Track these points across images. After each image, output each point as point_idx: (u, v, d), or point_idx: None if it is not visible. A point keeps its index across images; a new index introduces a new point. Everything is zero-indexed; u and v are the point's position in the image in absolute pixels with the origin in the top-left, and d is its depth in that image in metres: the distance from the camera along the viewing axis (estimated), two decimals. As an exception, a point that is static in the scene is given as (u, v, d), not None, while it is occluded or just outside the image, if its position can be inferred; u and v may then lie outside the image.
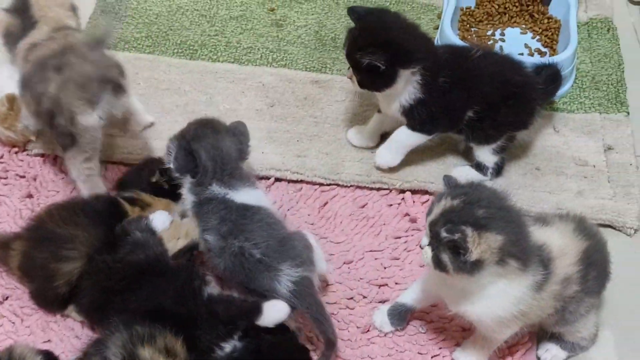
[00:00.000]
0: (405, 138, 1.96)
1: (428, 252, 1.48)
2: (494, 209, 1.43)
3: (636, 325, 1.80)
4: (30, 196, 1.95)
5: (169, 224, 1.72)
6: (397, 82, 1.85)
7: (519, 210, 1.51)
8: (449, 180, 1.53)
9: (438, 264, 1.46)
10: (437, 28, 2.39)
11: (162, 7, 2.44)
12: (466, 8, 2.45)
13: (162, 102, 2.17)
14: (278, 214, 1.82)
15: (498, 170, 2.02)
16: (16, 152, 2.04)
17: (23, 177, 1.99)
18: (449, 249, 1.42)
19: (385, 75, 1.83)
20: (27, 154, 2.04)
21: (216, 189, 1.71)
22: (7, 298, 1.78)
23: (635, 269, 1.88)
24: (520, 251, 1.44)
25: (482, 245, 1.39)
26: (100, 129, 1.79)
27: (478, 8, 2.45)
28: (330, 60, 2.32)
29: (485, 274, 1.43)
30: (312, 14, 2.46)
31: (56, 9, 1.89)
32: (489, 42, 2.35)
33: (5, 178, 1.99)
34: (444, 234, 1.41)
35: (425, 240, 1.49)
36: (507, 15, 2.44)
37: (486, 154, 1.99)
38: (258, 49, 2.34)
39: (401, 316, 1.73)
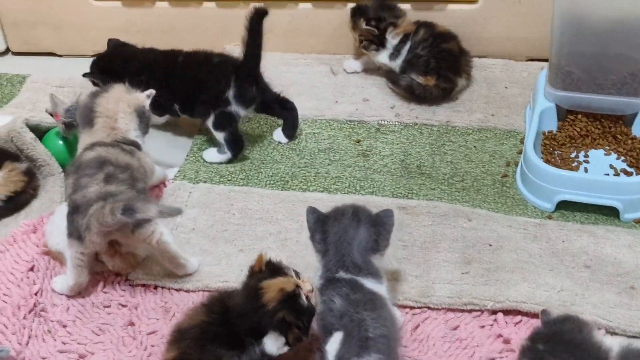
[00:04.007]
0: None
1: None
2: None
3: None
4: (132, 324, 2.03)
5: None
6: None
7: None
8: (544, 316, 1.74)
9: None
10: (521, 152, 2.44)
11: (254, 144, 2.58)
12: (548, 132, 2.49)
13: (255, 231, 2.26)
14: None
15: (232, 146, 2.48)
16: (118, 282, 2.14)
17: (125, 305, 2.08)
18: None
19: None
20: (130, 284, 2.13)
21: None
22: None
23: None
24: None
25: None
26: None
27: (560, 132, 2.48)
28: (416, 187, 2.38)
29: None
30: (397, 144, 2.55)
31: None
32: (573, 164, 2.38)
33: (108, 307, 2.08)
34: None
35: None
36: (589, 137, 2.47)
37: (214, 134, 2.49)
38: (346, 178, 2.43)
39: None
